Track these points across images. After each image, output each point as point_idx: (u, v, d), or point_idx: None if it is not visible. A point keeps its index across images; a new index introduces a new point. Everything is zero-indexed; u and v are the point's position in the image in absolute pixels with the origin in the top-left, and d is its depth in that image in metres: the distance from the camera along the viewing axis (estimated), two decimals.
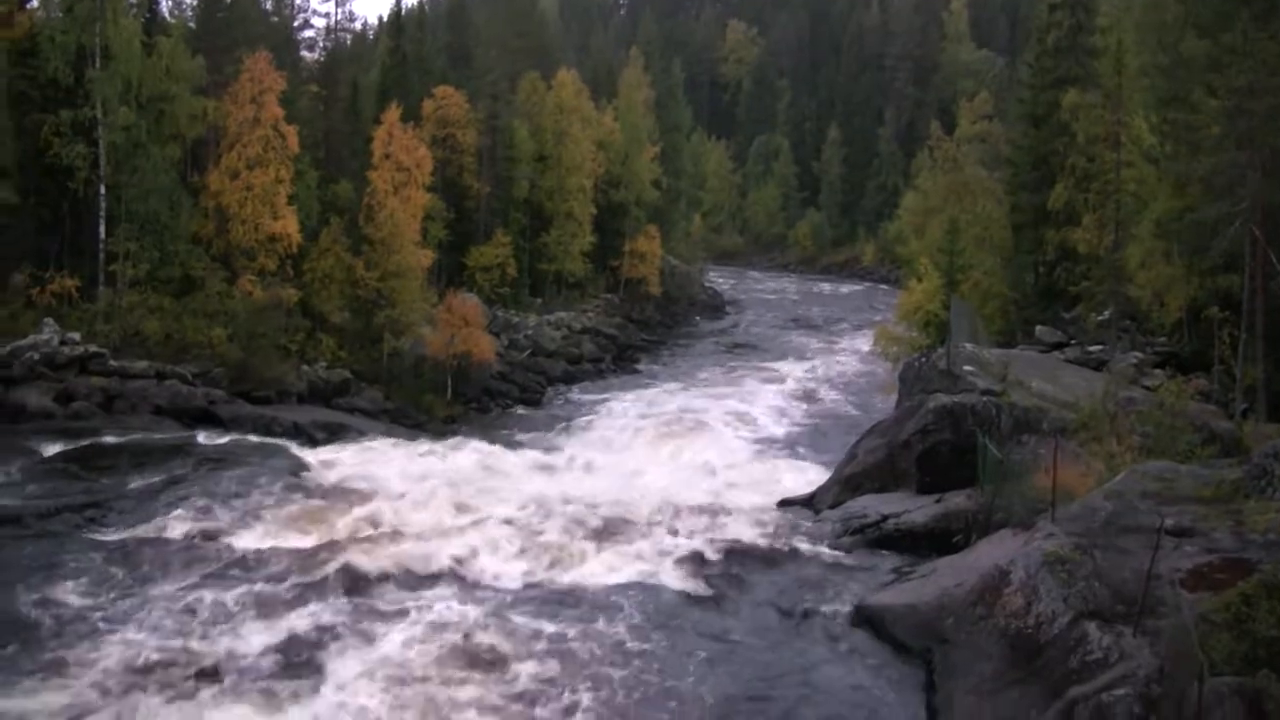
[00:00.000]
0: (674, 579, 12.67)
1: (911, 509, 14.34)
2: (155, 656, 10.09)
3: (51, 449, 16.98)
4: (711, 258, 59.74)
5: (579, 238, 35.71)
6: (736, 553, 13.50)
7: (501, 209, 33.75)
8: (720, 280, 53.27)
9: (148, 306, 22.06)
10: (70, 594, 11.54)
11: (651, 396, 26.41)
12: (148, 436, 18.43)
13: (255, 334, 22.38)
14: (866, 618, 11.40)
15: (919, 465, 15.06)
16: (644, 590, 12.33)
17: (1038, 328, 24.36)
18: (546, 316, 32.60)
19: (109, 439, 17.91)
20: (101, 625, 10.82)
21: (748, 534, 14.30)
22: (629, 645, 10.85)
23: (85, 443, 17.54)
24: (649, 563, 13.26)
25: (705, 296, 47.55)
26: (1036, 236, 26.12)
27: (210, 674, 9.95)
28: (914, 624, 10.80)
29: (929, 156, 36.00)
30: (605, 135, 39.43)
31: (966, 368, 17.08)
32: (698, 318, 43.18)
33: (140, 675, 9.69)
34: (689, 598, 12.16)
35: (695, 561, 13.18)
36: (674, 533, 14.38)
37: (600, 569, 13.08)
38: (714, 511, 15.36)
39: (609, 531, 14.36)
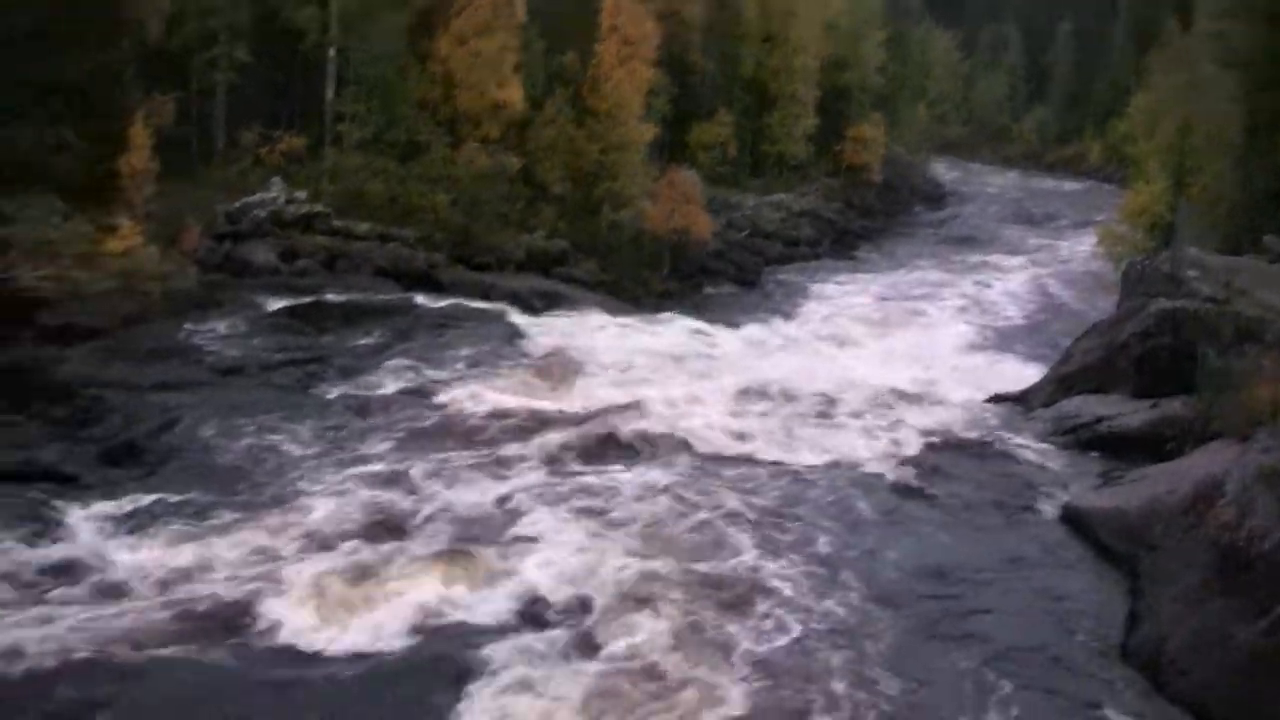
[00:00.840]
0: (881, 466, 12.40)
1: (1126, 412, 13.91)
2: (365, 509, 10.19)
3: (276, 304, 17.31)
4: (934, 148, 58.26)
5: (802, 120, 34.99)
6: (945, 445, 13.20)
7: (725, 87, 33.21)
8: (942, 171, 51.99)
9: (372, 169, 22.22)
10: (288, 443, 11.72)
11: (867, 283, 25.80)
12: (368, 296, 18.72)
13: (477, 201, 22.41)
14: (1073, 518, 11.17)
15: (1136, 368, 14.49)
16: (851, 474, 12.09)
17: (1266, 237, 23.18)
18: (765, 198, 32.10)
19: (331, 297, 18.21)
20: (316, 476, 10.97)
21: (958, 426, 13.95)
22: (835, 526, 10.62)
23: (308, 299, 17.85)
24: (857, 448, 13.01)
25: (926, 186, 46.35)
26: (1272, 141, 24.78)
27: (417, 529, 10.01)
28: (1121, 528, 10.53)
29: (1163, 54, 34.31)
30: (834, 16, 38.54)
31: (1190, 273, 16.34)
32: (918, 207, 42.15)
33: (350, 525, 9.81)
34: (895, 485, 11.89)
35: (902, 450, 12.92)
36: (883, 420, 14.06)
37: (809, 451, 12.82)
38: (925, 402, 15.02)
39: (818, 414, 14.10)
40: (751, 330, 20.02)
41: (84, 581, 8.57)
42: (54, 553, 8.93)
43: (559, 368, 15.39)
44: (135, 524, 9.60)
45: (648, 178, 25.06)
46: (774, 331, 20.28)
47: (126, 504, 9.92)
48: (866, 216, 36.95)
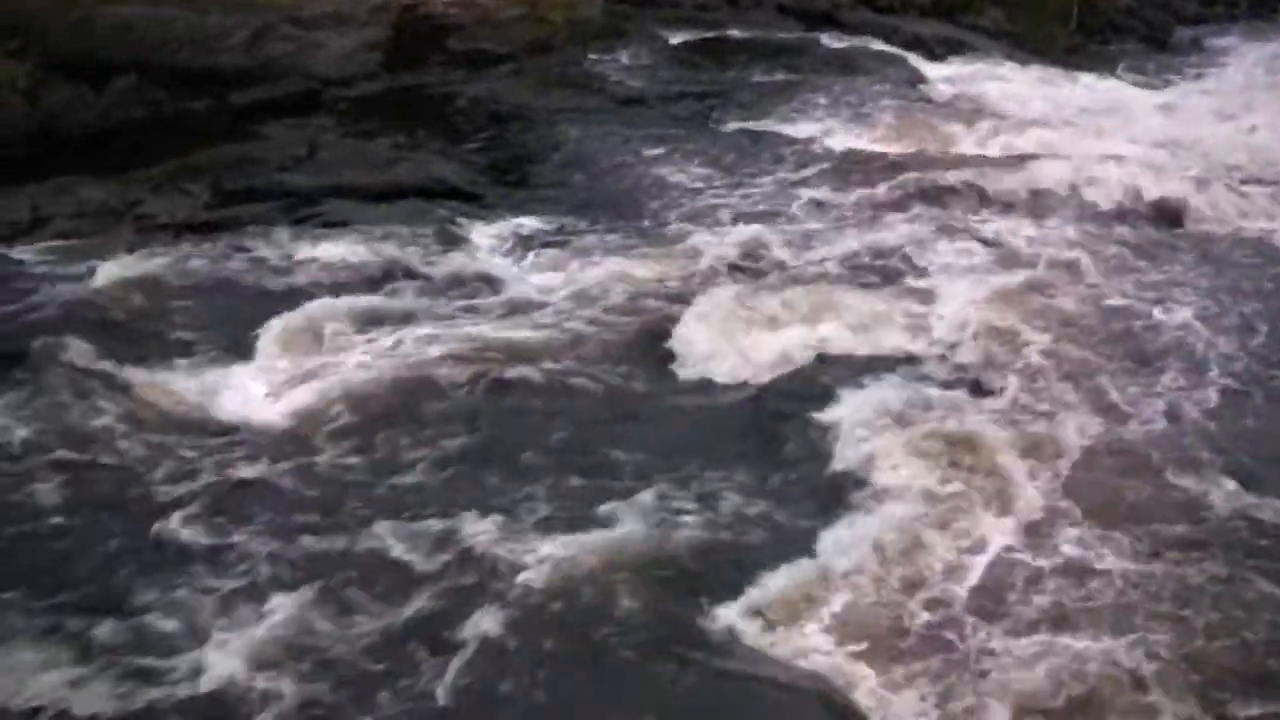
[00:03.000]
0: None
1: None
2: (754, 243, 10.04)
3: (678, 37, 17.28)
4: None
5: None
6: None
7: None
8: None
9: None
10: (683, 175, 11.75)
11: None
12: (769, 34, 18.45)
13: None
14: None
15: None
16: (1261, 248, 10.99)
17: None
18: None
19: (732, 33, 18.05)
20: (709, 208, 10.90)
21: None
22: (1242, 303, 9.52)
23: (710, 34, 17.76)
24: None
25: None
26: None
27: (803, 259, 9.79)
28: None
29: None
30: None
31: None
32: None
33: (739, 258, 9.72)
34: None
35: None
36: None
37: (1213, 219, 11.65)
38: None
39: (1227, 183, 12.59)
40: (1160, 93, 18.52)
41: (488, 295, 8.88)
42: (460, 267, 9.26)
43: (959, 115, 14.85)
44: (533, 243, 9.84)
45: None
46: (1186, 95, 18.83)
47: (526, 224, 10.19)
48: None
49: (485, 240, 9.79)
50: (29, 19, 12.41)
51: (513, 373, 7.71)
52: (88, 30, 12.64)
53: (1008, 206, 11.61)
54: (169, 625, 5.47)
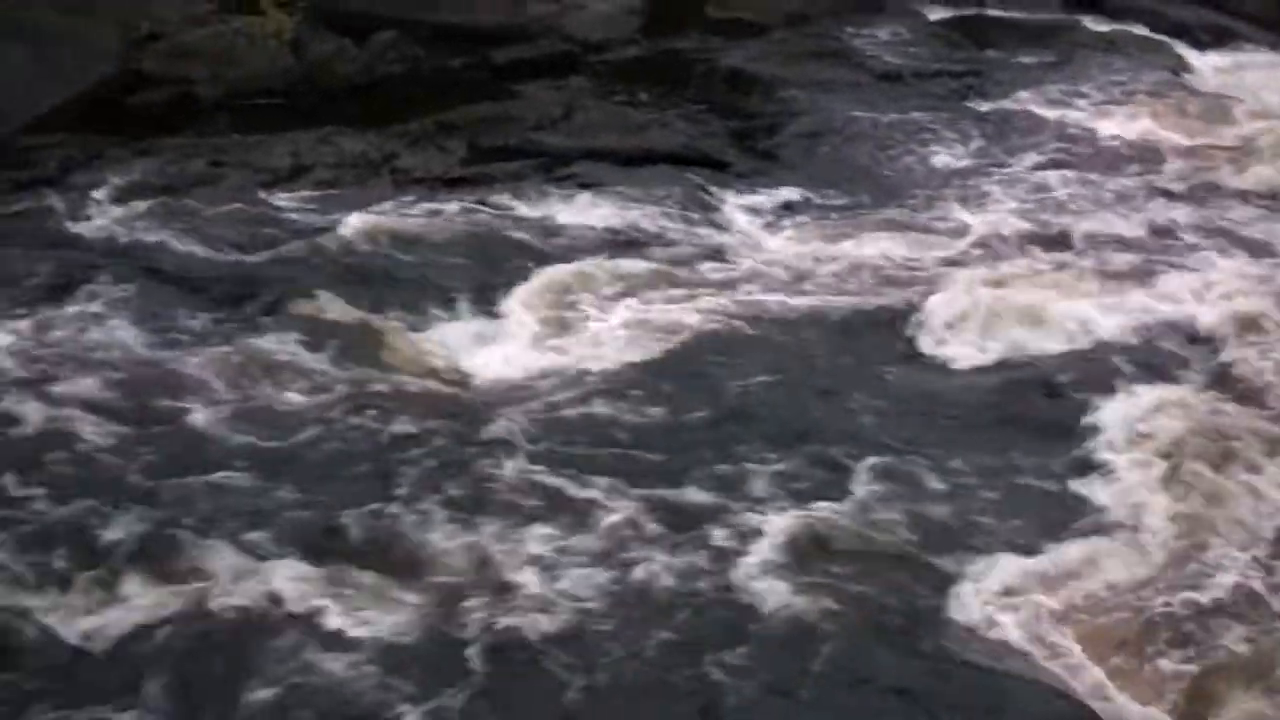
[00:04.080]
0: None
1: None
2: (1012, 223, 9.84)
3: (937, 14, 16.88)
4: None
5: None
6: None
7: None
8: None
9: None
10: (938, 153, 11.49)
11: None
12: (1030, 15, 17.86)
13: None
14: None
15: None
16: None
17: None
18: None
19: (992, 12, 17.44)
20: (964, 186, 10.67)
21: None
22: None
23: (969, 12, 17.27)
24: None
25: None
26: None
27: (1060, 243, 9.61)
28: None
29: None
30: None
31: None
32: None
33: (997, 238, 9.47)
34: None
35: None
36: None
37: None
38: None
39: None
40: None
41: (737, 265, 8.83)
42: (710, 235, 9.24)
43: (1223, 105, 14.26)
44: (785, 215, 9.75)
45: None
46: None
47: (777, 195, 10.07)
48: None
49: (736, 209, 9.75)
50: None
51: (757, 343, 7.72)
52: None
53: (1274, 202, 11.25)
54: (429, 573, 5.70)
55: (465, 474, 6.33)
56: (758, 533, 5.94)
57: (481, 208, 9.39)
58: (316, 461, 6.47)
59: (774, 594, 5.57)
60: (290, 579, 5.55)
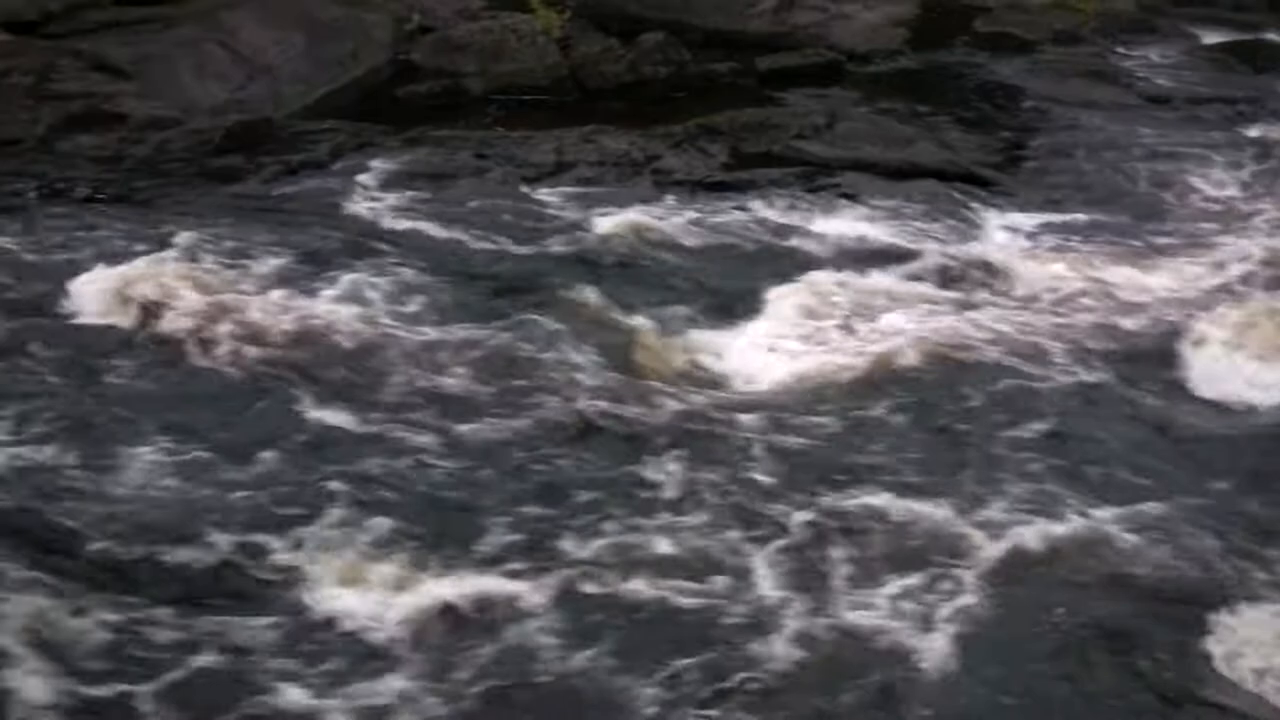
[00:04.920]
0: None
1: None
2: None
3: (1210, 38, 16.44)
4: None
5: None
6: None
7: None
8: None
9: None
10: (1207, 180, 11.00)
11: None
12: None
13: None
14: None
15: None
16: None
17: None
18: None
19: (1270, 36, 16.99)
20: (1231, 218, 10.24)
21: None
22: None
23: (1245, 37, 16.77)
24: None
25: None
26: None
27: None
28: None
29: None
30: None
31: None
32: None
33: (1264, 272, 8.92)
34: None
35: None
36: None
37: None
38: None
39: None
40: None
41: (993, 285, 8.69)
42: (969, 253, 9.11)
43: None
44: (1047, 236, 9.59)
45: None
46: None
47: (1040, 215, 9.93)
48: None
49: (997, 229, 9.59)
50: None
51: (1013, 363, 7.57)
52: None
53: None
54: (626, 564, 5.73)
55: (715, 477, 6.36)
56: (1002, 550, 5.87)
57: (740, 213, 9.43)
58: (561, 459, 6.51)
59: (1000, 604, 5.52)
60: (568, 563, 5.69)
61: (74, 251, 8.38)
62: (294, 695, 4.91)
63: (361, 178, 9.76)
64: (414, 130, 10.74)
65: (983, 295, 8.51)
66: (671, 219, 9.26)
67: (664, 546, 5.87)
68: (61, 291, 7.80)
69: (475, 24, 12.46)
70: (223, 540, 5.67)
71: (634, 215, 9.25)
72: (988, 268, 8.89)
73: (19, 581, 5.26)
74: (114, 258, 8.16)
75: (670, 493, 6.26)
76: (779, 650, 5.25)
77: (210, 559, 5.58)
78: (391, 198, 9.49)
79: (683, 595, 5.56)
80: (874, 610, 5.52)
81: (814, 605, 5.53)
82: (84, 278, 7.91)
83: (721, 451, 6.60)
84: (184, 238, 8.46)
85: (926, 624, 5.41)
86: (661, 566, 5.73)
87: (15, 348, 7.12)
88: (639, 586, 5.58)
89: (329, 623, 5.31)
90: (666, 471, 6.40)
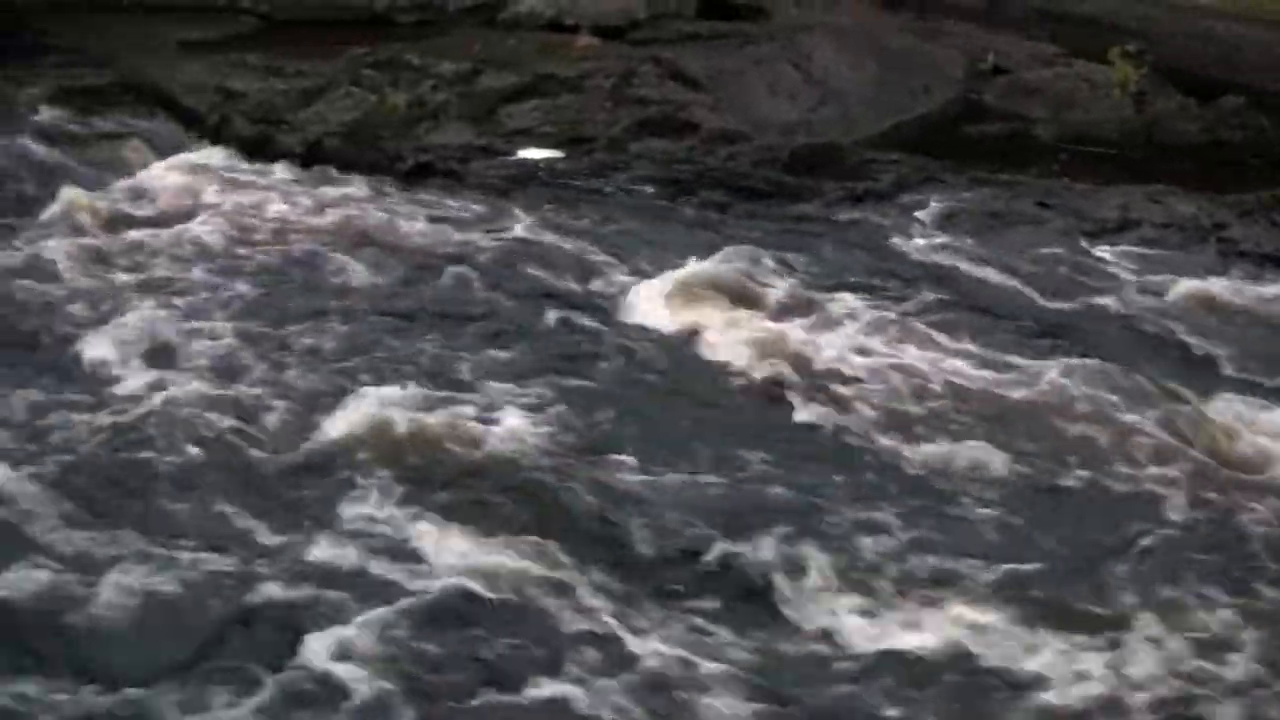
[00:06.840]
0: None
1: None
2: None
3: None
4: None
5: None
6: None
7: None
8: None
9: None
10: None
11: None
12: None
13: None
14: None
15: None
16: None
17: None
18: None
19: None
20: None
21: None
22: None
23: None
24: None
25: None
26: None
27: None
28: None
29: None
30: None
31: None
32: None
33: None
34: None
35: None
36: None
37: None
38: None
39: None
40: None
41: None
42: None
43: None
44: None
45: None
46: None
47: None
48: None
49: None
50: (1150, 24, 12.67)
51: None
52: (1204, 45, 12.69)
53: None
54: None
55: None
56: None
57: None
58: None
59: None
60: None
61: (638, 255, 9.00)
62: None
63: (920, 214, 9.98)
64: (978, 170, 10.85)
65: None
66: (1238, 292, 8.97)
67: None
68: (621, 294, 8.39)
69: (1049, 70, 12.41)
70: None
71: (1196, 282, 9.06)
72: None
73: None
74: (674, 265, 8.67)
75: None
76: None
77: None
78: (948, 237, 9.61)
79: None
80: None
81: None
82: (645, 284, 8.47)
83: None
84: (743, 251, 8.87)
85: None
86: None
87: (578, 352, 7.67)
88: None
89: None
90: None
